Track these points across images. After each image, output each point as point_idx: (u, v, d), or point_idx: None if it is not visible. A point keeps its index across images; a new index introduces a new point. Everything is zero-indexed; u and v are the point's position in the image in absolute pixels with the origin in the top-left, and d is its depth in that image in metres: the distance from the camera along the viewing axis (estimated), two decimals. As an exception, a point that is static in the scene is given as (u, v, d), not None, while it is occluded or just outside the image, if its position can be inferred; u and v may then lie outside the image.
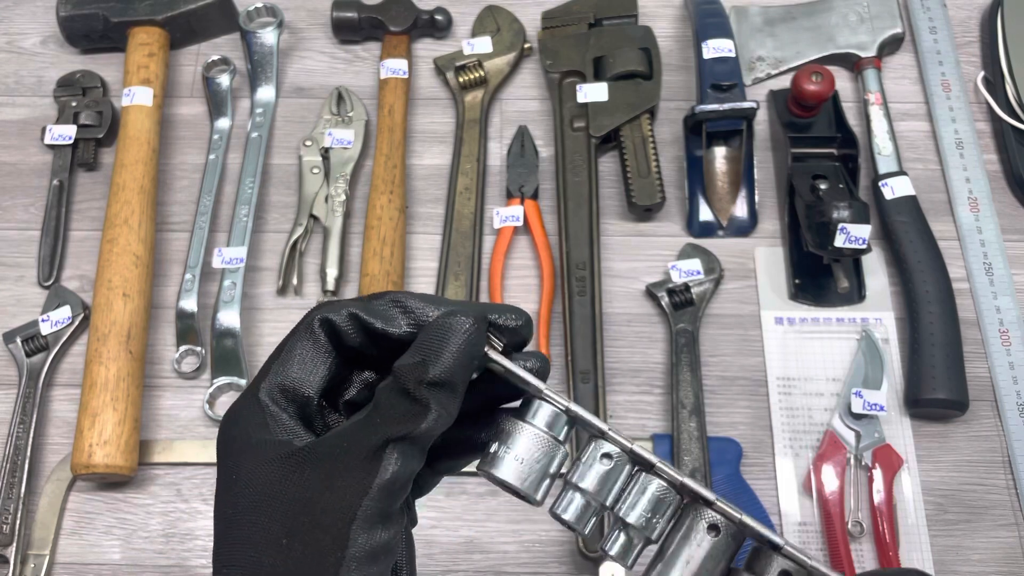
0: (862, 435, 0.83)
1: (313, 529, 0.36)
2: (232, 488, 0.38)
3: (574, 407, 0.40)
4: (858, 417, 0.83)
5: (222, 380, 0.86)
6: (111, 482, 0.83)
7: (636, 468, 0.41)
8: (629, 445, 0.40)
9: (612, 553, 0.40)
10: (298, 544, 0.36)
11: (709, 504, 0.39)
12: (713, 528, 0.39)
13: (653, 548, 0.40)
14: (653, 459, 0.40)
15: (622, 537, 0.40)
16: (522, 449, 0.40)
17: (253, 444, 0.39)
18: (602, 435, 0.40)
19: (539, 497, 0.40)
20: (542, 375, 0.42)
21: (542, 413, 0.41)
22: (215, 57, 1.03)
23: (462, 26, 1.07)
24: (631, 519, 0.39)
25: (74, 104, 1.00)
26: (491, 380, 0.42)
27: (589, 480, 0.40)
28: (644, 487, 0.40)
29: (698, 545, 0.39)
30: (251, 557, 0.37)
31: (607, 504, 0.40)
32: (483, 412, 0.44)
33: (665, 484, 0.40)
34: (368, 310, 0.40)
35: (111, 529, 0.82)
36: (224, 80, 1.02)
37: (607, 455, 0.40)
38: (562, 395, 0.41)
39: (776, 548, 0.39)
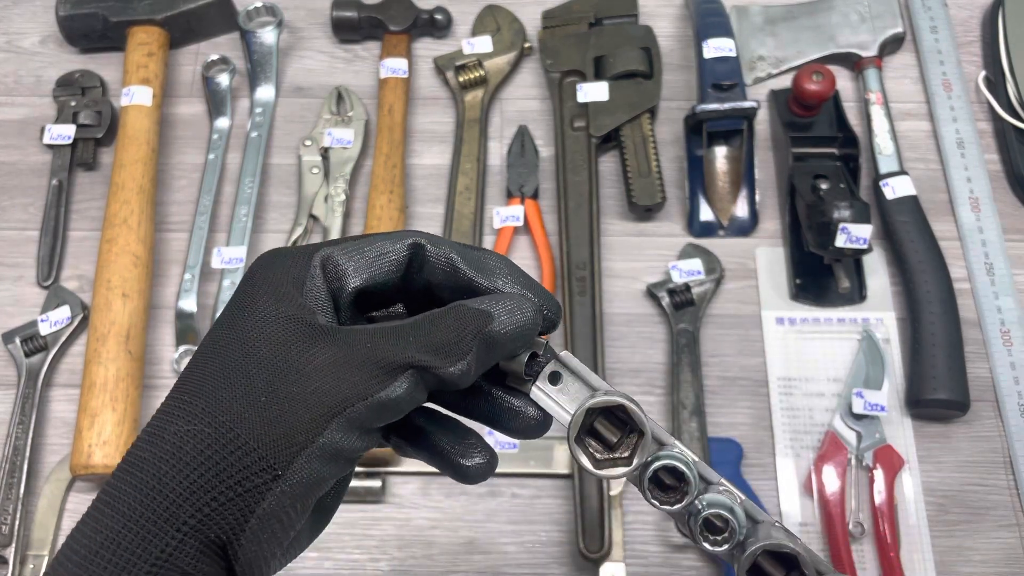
0: (863, 435, 0.83)
1: (296, 402, 0.35)
2: (238, 323, 0.38)
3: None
4: (859, 417, 0.83)
5: (221, 380, 0.86)
6: (110, 482, 0.83)
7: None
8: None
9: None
10: (275, 408, 0.35)
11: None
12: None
13: None
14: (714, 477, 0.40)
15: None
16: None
17: (281, 293, 0.38)
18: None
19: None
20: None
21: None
22: (214, 56, 1.03)
23: (462, 25, 1.07)
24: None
25: (73, 104, 1.00)
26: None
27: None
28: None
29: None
30: (222, 396, 0.36)
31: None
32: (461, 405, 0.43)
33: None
34: (467, 259, 0.40)
35: (110, 530, 0.82)
36: (223, 79, 1.01)
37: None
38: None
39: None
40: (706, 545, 0.39)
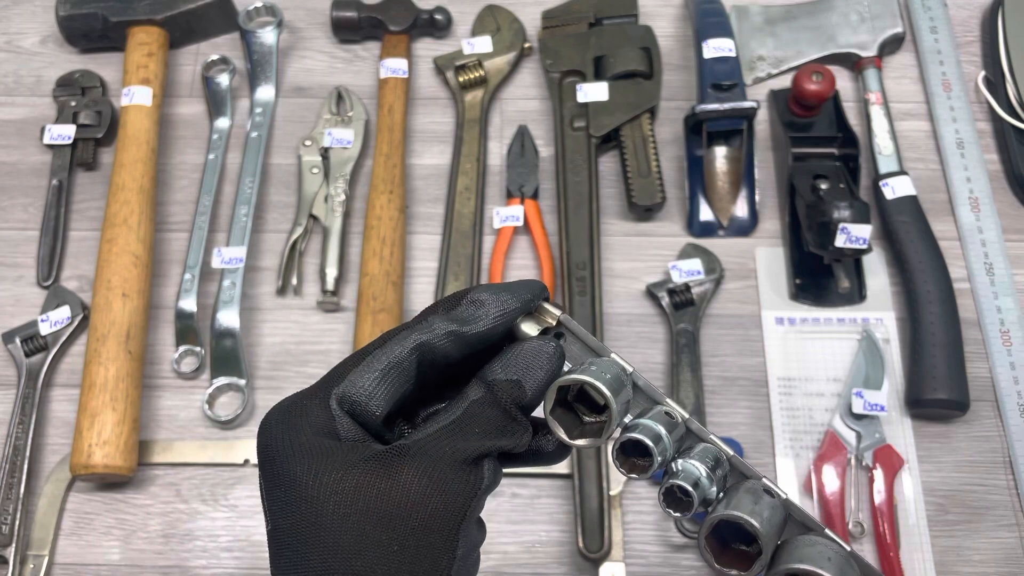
0: (863, 435, 0.83)
1: (423, 533, 0.36)
2: (309, 494, 0.37)
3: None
4: (859, 417, 0.83)
5: (221, 380, 0.86)
6: (110, 482, 0.83)
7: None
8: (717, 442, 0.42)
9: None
10: (411, 548, 0.36)
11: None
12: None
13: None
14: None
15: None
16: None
17: (327, 448, 0.37)
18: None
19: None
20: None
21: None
22: (214, 57, 1.03)
23: (462, 25, 1.07)
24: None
25: (73, 104, 1.00)
26: None
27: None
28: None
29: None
30: (355, 565, 0.36)
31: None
32: None
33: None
34: (461, 320, 0.41)
35: (110, 529, 0.82)
36: (223, 80, 1.01)
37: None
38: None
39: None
40: (669, 511, 0.40)
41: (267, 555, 0.39)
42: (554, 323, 0.43)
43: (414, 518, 0.36)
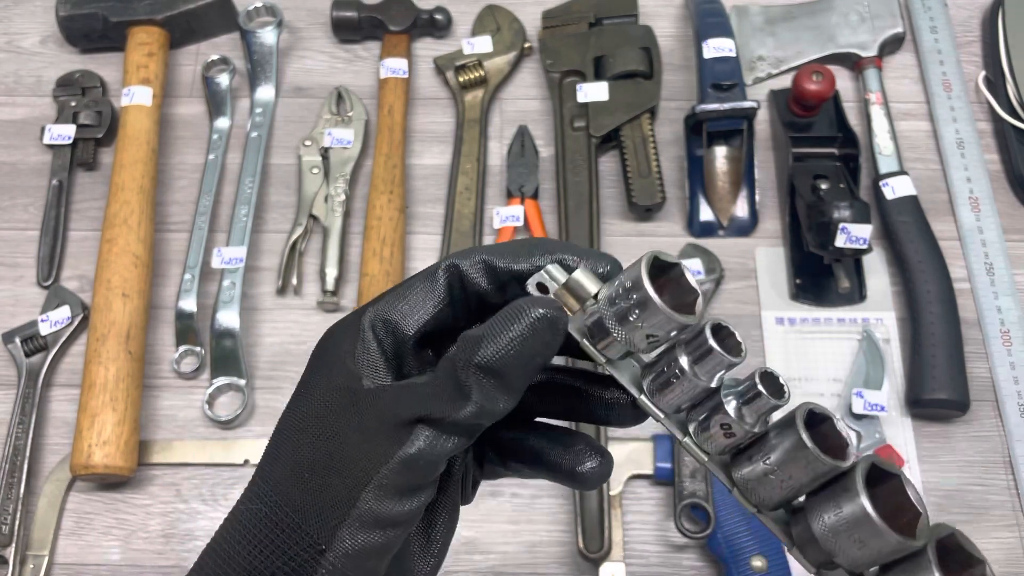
0: (863, 435, 0.83)
1: (334, 474, 0.36)
2: (299, 401, 0.39)
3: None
4: (859, 417, 0.83)
5: (221, 380, 0.86)
6: (110, 482, 0.83)
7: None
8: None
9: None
10: (315, 482, 0.36)
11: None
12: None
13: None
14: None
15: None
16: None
17: (333, 365, 0.38)
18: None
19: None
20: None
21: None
22: (214, 57, 1.03)
23: (462, 25, 1.07)
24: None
25: (73, 104, 1.00)
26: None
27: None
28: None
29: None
30: (277, 475, 0.37)
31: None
32: (564, 409, 0.41)
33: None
34: (500, 253, 0.38)
35: (110, 530, 0.82)
36: (223, 80, 1.01)
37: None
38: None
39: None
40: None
41: None
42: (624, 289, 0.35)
43: (338, 458, 0.36)
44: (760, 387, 0.35)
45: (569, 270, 0.37)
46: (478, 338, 0.35)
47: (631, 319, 0.35)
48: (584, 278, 0.36)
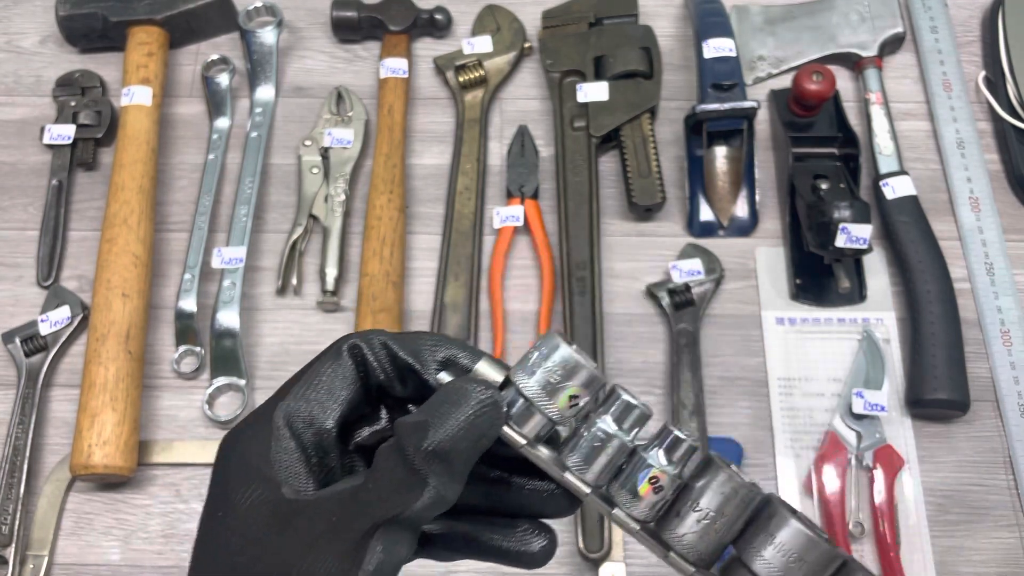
0: (863, 435, 0.83)
1: None
2: (226, 519, 0.36)
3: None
4: (859, 417, 0.83)
5: (221, 380, 0.86)
6: (110, 483, 0.83)
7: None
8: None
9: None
10: None
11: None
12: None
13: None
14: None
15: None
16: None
17: (250, 475, 0.36)
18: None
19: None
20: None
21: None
22: (214, 56, 1.03)
23: (462, 25, 1.07)
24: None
25: (73, 104, 1.00)
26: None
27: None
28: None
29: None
30: None
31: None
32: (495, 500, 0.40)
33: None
34: (400, 341, 0.38)
35: (110, 530, 0.82)
36: (223, 79, 1.01)
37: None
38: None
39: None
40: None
41: None
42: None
43: None
44: (677, 432, 0.38)
45: (464, 368, 0.38)
46: (422, 424, 0.34)
47: (553, 381, 0.37)
48: (488, 368, 0.38)
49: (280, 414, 0.37)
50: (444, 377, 0.38)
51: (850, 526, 0.79)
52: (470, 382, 0.35)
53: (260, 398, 0.87)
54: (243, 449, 0.37)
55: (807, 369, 0.87)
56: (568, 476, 0.38)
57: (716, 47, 0.96)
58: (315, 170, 0.96)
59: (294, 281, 0.92)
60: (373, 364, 0.38)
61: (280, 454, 0.36)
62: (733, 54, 0.96)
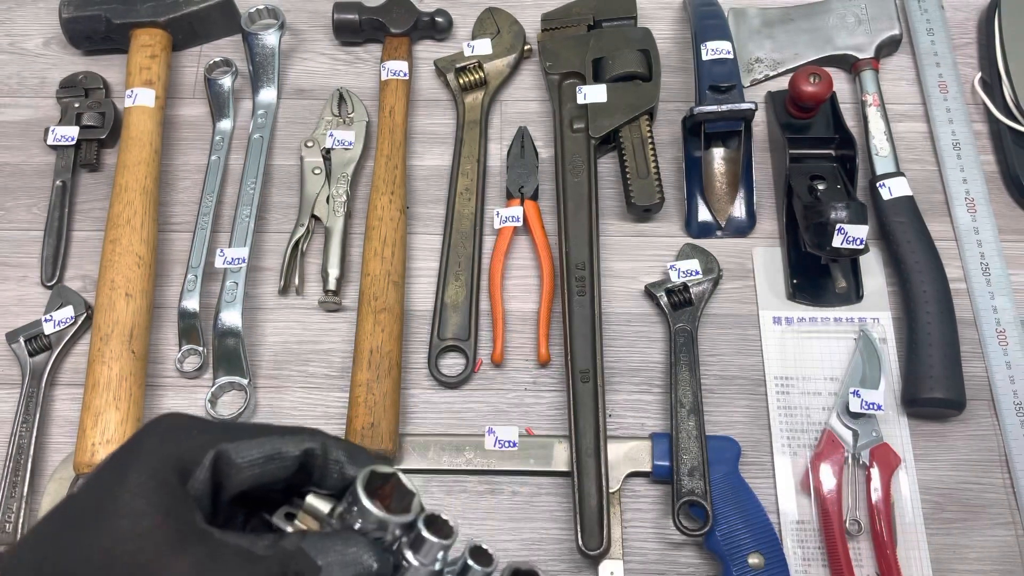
0: (860, 434, 0.83)
1: None
2: (107, 503, 0.36)
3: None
4: (856, 416, 0.84)
5: (224, 379, 0.87)
6: (114, 481, 0.84)
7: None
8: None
9: None
10: None
11: None
12: None
13: None
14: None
15: None
16: None
17: (162, 479, 0.37)
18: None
19: None
20: None
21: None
22: (217, 59, 1.03)
23: (462, 28, 1.07)
24: None
25: (77, 105, 1.01)
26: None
27: None
28: None
29: None
30: None
31: None
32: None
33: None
34: (359, 463, 0.42)
35: (114, 527, 0.83)
36: (226, 81, 1.02)
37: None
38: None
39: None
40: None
41: None
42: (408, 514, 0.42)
43: None
44: (469, 560, 0.43)
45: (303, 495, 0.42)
46: (314, 566, 0.37)
47: (357, 527, 0.41)
48: (317, 502, 0.42)
49: (214, 452, 0.39)
50: (281, 518, 0.42)
51: (847, 524, 0.80)
52: (367, 548, 0.39)
53: (262, 397, 0.88)
54: (167, 450, 0.38)
55: (804, 368, 0.88)
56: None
57: (714, 49, 0.96)
58: (317, 171, 0.97)
59: (296, 281, 0.93)
60: (327, 472, 0.42)
61: (199, 483, 0.38)
62: (731, 56, 0.96)
